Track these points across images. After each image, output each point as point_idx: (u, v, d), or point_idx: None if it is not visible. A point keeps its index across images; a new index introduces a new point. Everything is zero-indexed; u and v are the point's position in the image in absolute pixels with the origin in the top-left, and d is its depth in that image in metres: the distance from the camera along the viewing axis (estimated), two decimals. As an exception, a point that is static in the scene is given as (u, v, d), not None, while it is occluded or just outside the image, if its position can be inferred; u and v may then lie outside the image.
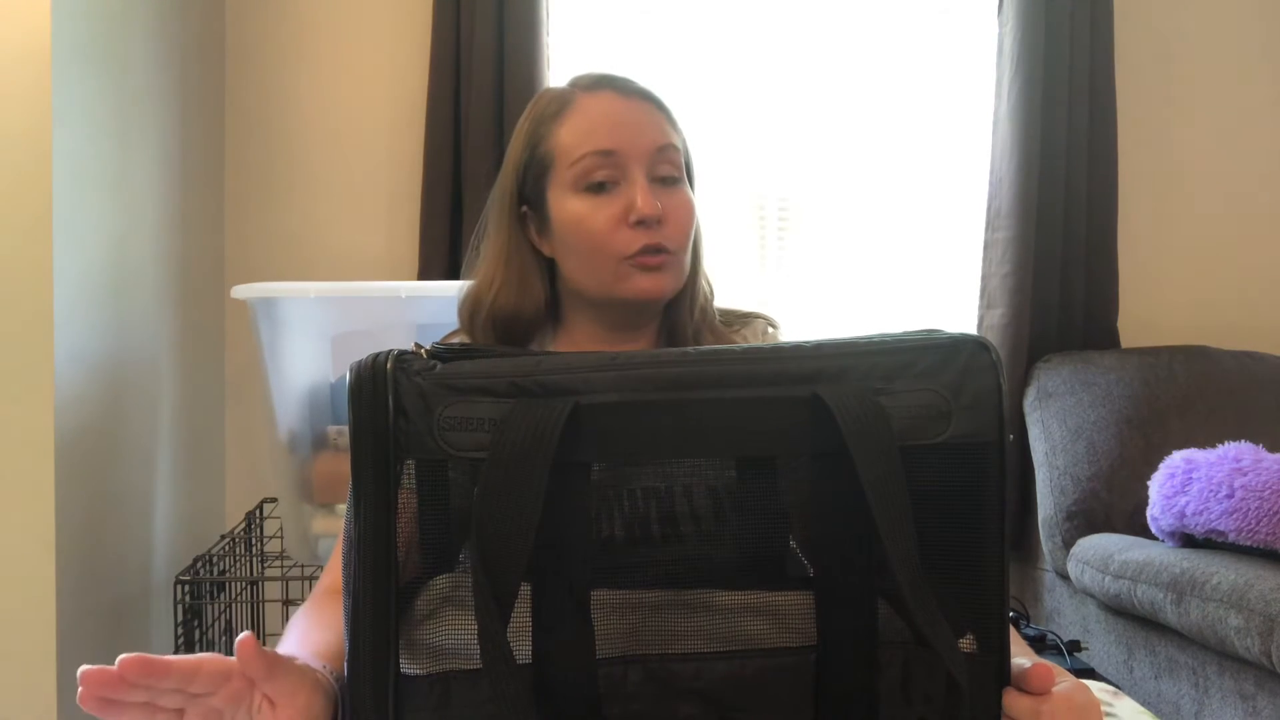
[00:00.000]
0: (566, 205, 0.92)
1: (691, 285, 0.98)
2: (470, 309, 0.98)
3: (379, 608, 0.58)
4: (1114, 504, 1.92)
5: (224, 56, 2.15)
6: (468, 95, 2.05)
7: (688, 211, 0.94)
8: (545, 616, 0.59)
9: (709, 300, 1.03)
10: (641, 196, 0.89)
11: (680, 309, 0.98)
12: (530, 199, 0.97)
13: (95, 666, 0.54)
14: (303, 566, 1.69)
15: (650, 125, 0.93)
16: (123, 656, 0.54)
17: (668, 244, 0.91)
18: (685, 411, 0.59)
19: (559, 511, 0.58)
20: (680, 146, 0.96)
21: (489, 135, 2.03)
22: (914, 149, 2.30)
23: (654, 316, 0.99)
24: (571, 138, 0.92)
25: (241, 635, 0.58)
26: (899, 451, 0.58)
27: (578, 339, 0.98)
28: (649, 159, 0.92)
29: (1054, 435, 2.03)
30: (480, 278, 0.99)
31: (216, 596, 1.73)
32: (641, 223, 0.89)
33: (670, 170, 0.93)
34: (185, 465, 1.95)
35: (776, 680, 0.61)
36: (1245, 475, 1.55)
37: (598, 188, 0.91)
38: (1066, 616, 1.97)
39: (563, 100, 0.95)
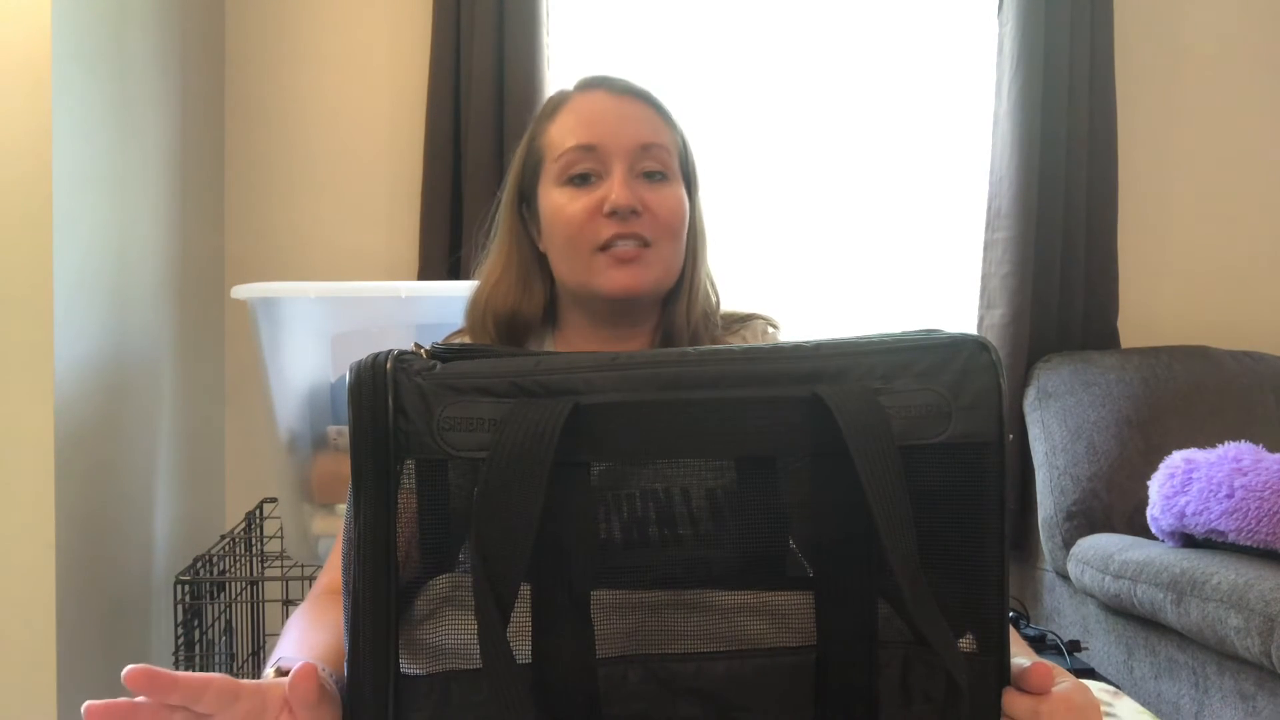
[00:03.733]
0: (550, 197, 0.94)
1: (689, 285, 0.98)
2: (473, 303, 1.00)
3: (379, 608, 0.58)
4: (1114, 504, 1.92)
5: (224, 56, 2.15)
6: (468, 95, 2.05)
7: (671, 206, 0.93)
8: (545, 616, 0.59)
9: (712, 305, 1.03)
10: (617, 188, 0.90)
11: (677, 308, 0.98)
12: (527, 195, 0.99)
13: (99, 702, 0.52)
14: (303, 566, 1.69)
15: (636, 122, 0.94)
16: (129, 668, 0.52)
17: (645, 233, 0.91)
18: (685, 411, 0.59)
19: (559, 511, 0.58)
20: (673, 145, 0.96)
21: (489, 135, 2.03)
22: (914, 149, 2.30)
23: (648, 316, 0.99)
24: (559, 133, 0.95)
25: (302, 665, 0.57)
26: (899, 451, 0.58)
27: (573, 340, 0.99)
28: (631, 155, 0.92)
29: (1054, 435, 2.03)
30: (485, 272, 1.01)
31: (216, 596, 1.73)
32: (615, 213, 0.90)
33: (655, 166, 0.93)
34: (185, 465, 1.95)
35: (776, 680, 0.61)
36: (1245, 475, 1.55)
37: (580, 180, 0.93)
38: (1066, 616, 1.97)
39: (559, 99, 0.98)
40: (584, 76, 0.99)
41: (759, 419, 0.59)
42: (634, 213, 0.90)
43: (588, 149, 0.92)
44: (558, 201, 0.93)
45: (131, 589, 1.73)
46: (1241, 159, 2.36)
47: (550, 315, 1.01)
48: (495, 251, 1.01)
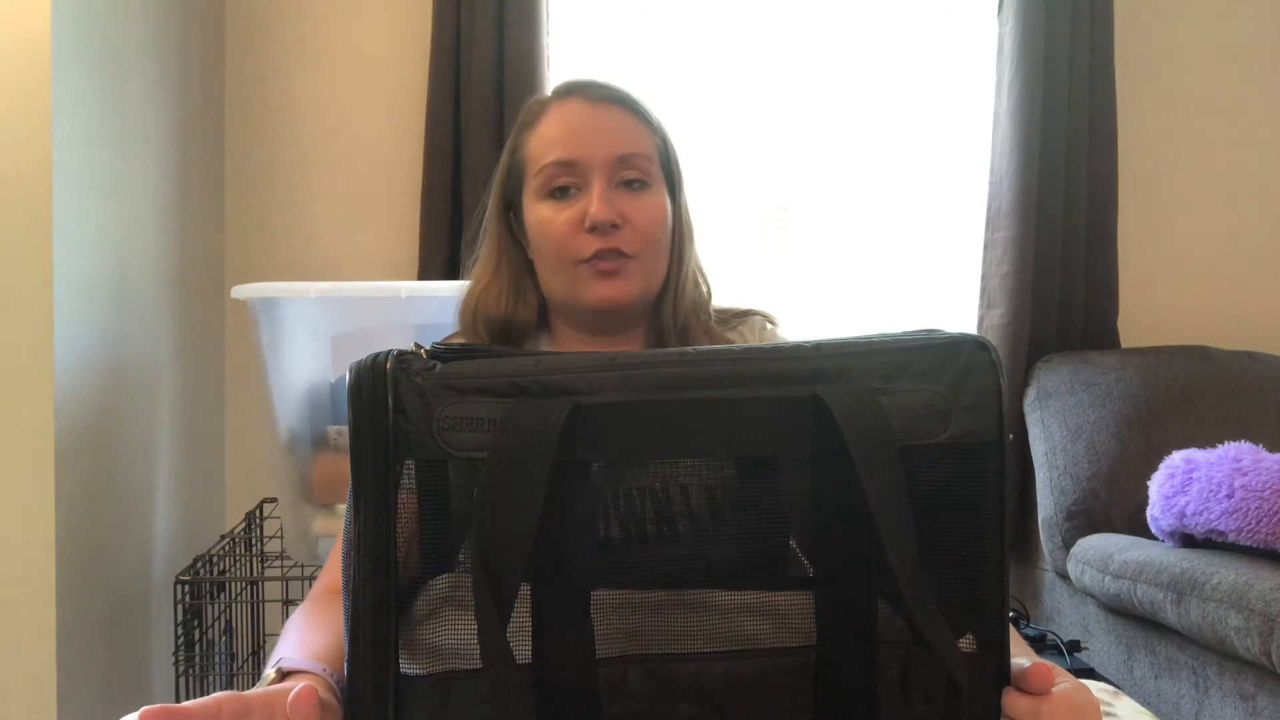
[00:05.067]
0: (534, 210, 0.95)
1: (675, 286, 0.98)
2: (464, 306, 1.01)
3: (379, 608, 0.58)
4: (1114, 504, 1.92)
5: (224, 57, 2.15)
6: (468, 95, 2.05)
7: (651, 216, 0.94)
8: (545, 616, 0.59)
9: (702, 300, 1.03)
10: (596, 203, 0.91)
11: (664, 307, 0.98)
12: (512, 204, 1.00)
13: None
14: (303, 566, 1.69)
15: (615, 132, 0.94)
16: (143, 710, 0.53)
17: (626, 248, 0.92)
18: (685, 411, 0.59)
19: (559, 511, 0.58)
20: (653, 148, 0.96)
21: (489, 135, 2.03)
22: (914, 149, 2.30)
23: (637, 320, 0.99)
24: (539, 146, 0.95)
25: (301, 687, 0.57)
26: (899, 451, 0.58)
27: (565, 345, 0.99)
28: (610, 167, 0.93)
29: (1054, 435, 2.03)
30: (474, 280, 1.01)
31: (216, 596, 1.73)
32: (595, 228, 0.91)
33: (635, 176, 0.94)
34: (185, 465, 1.95)
35: (776, 680, 0.61)
36: (1245, 475, 1.55)
37: (561, 194, 0.93)
38: (1066, 616, 1.97)
39: (538, 108, 0.98)
40: (564, 82, 0.99)
41: (759, 419, 0.59)
42: (614, 226, 0.91)
43: (566, 164, 0.93)
44: (542, 216, 0.94)
45: (131, 589, 1.73)
46: (1242, 159, 2.36)
47: (543, 319, 1.02)
48: (484, 257, 1.02)
